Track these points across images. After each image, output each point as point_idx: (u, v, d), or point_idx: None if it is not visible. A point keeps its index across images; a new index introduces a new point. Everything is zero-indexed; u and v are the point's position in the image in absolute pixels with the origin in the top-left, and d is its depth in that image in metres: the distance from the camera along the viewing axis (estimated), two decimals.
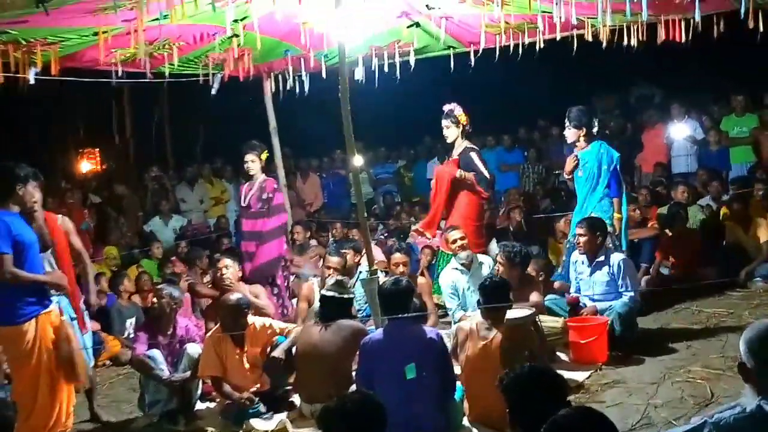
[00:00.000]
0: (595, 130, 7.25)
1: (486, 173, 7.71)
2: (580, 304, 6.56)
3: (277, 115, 9.20)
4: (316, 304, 7.05)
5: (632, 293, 6.38)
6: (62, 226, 5.68)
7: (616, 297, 6.36)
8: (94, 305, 5.98)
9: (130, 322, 8.17)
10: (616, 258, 6.52)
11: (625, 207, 7.28)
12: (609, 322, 6.15)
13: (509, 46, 7.64)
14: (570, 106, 7.31)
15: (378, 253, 7.99)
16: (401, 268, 7.10)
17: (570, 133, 7.28)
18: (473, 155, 7.72)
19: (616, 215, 7.05)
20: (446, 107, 7.75)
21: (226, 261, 6.95)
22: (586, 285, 6.63)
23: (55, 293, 5.38)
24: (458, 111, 7.69)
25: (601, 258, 6.55)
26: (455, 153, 7.81)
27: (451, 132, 7.75)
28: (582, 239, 6.58)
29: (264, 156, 7.81)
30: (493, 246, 8.06)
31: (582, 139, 7.22)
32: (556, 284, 7.33)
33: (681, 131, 11.42)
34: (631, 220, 9.12)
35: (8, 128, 14.98)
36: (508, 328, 5.07)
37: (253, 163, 7.64)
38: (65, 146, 16.93)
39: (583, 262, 6.68)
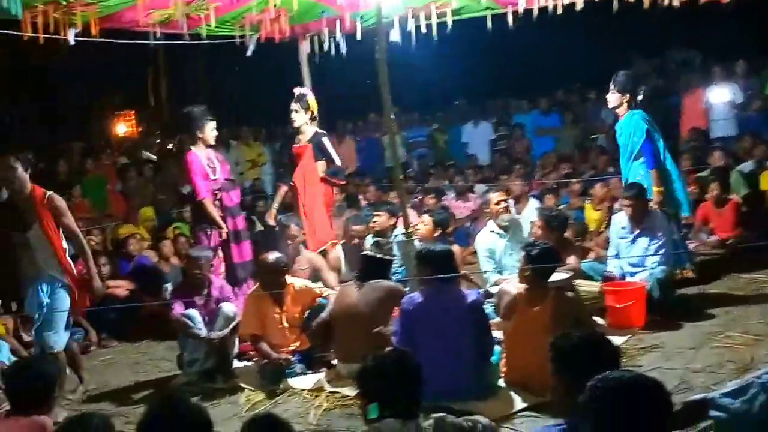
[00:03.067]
0: (640, 97, 6.94)
1: (338, 160, 7.53)
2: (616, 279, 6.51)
3: (312, 77, 9.16)
4: (345, 273, 7.11)
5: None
6: (48, 203, 5.44)
7: (658, 263, 6.30)
8: (98, 290, 5.77)
9: (166, 286, 8.23)
10: (658, 224, 6.45)
11: (675, 176, 6.92)
12: (647, 287, 6.11)
13: (547, 7, 7.49)
14: (612, 69, 7.08)
15: (413, 217, 7.96)
16: (419, 227, 6.94)
17: (613, 98, 6.93)
18: (325, 140, 7.48)
19: (655, 188, 6.72)
20: (297, 90, 7.49)
21: (293, 227, 6.99)
22: (627, 250, 6.58)
23: None
24: (310, 96, 7.47)
25: (645, 225, 6.49)
26: (304, 138, 7.45)
27: (299, 117, 7.41)
28: (628, 205, 6.52)
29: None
30: (531, 209, 8.01)
31: (625, 104, 6.90)
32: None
33: (720, 95, 11.21)
34: None
35: (49, 90, 15.15)
36: (557, 296, 5.06)
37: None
38: (102, 108, 17.07)
39: (624, 227, 6.63)
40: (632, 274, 6.47)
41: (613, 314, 6.06)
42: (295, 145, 7.52)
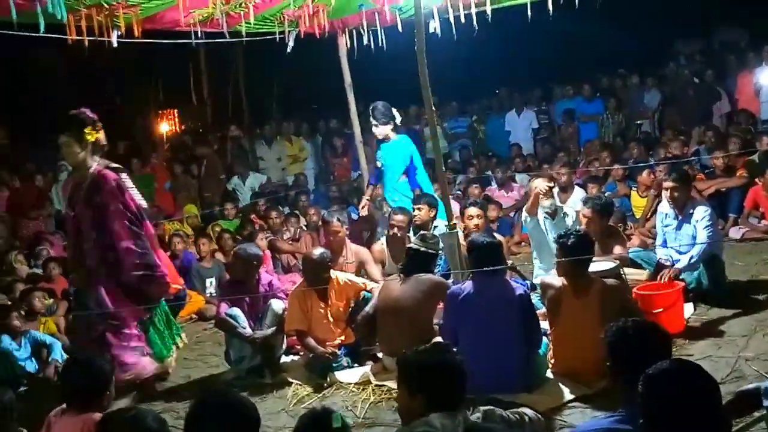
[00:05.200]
0: (398, 120, 7.69)
1: (138, 202, 5.92)
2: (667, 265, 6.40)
3: (351, 71, 9.16)
4: (389, 265, 7.10)
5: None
6: None
7: (704, 248, 6.17)
8: None
9: (210, 281, 8.35)
10: (701, 210, 6.34)
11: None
12: (694, 279, 6.02)
13: None
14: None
15: (455, 208, 7.92)
16: (475, 221, 6.98)
17: (379, 131, 7.67)
18: (124, 176, 5.78)
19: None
20: (72, 114, 5.55)
21: (335, 222, 7.03)
22: (673, 237, 6.47)
23: None
24: (88, 117, 5.54)
25: (689, 210, 6.38)
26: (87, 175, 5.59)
27: (80, 153, 5.53)
28: (671, 190, 6.42)
29: (92, 137, 5.53)
30: (576, 198, 7.91)
31: (390, 132, 7.64)
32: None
33: None
34: (717, 169, 8.91)
35: (93, 91, 15.40)
36: (603, 285, 5.00)
37: (68, 147, 5.53)
38: (146, 108, 17.29)
39: (668, 215, 6.53)
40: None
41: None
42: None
